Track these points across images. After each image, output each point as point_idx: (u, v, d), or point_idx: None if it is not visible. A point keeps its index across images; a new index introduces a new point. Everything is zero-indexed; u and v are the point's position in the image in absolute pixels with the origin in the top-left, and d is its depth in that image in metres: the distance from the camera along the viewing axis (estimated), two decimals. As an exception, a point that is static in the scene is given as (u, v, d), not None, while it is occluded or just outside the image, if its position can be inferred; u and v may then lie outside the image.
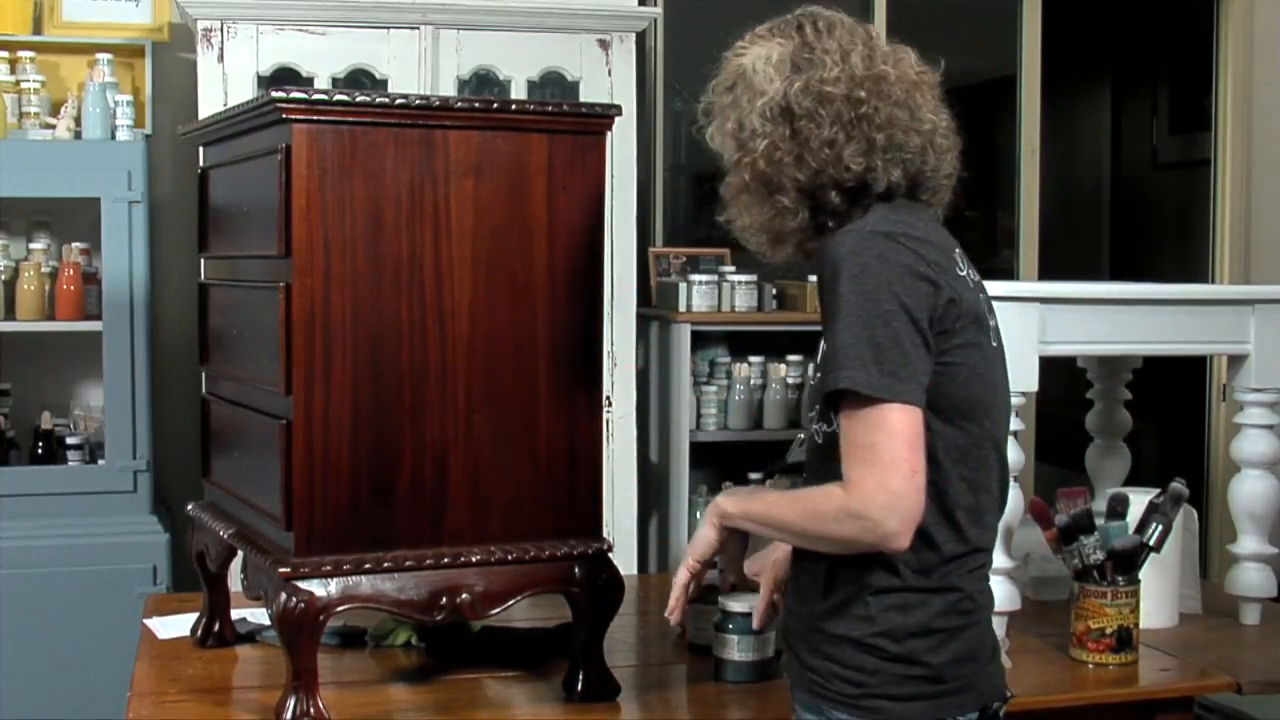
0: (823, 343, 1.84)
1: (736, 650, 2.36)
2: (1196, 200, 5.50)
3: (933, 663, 1.82)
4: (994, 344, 1.89)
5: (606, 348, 3.84)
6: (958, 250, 1.88)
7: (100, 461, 3.91)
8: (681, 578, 2.08)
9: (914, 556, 1.80)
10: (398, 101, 2.12)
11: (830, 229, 1.85)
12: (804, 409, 1.92)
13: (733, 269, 4.52)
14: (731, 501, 1.96)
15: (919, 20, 5.01)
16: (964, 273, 1.86)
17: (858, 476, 1.73)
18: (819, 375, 1.84)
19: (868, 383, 1.72)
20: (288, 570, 2.09)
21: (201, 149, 2.66)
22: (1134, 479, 3.11)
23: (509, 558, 2.20)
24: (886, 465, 1.71)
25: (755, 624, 2.28)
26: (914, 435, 1.73)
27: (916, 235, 1.79)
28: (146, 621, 2.71)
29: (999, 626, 2.48)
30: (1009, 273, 5.13)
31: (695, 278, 4.42)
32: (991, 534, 1.91)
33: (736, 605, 2.34)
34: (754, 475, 4.37)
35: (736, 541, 2.05)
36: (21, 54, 4.01)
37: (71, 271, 3.88)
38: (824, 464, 1.84)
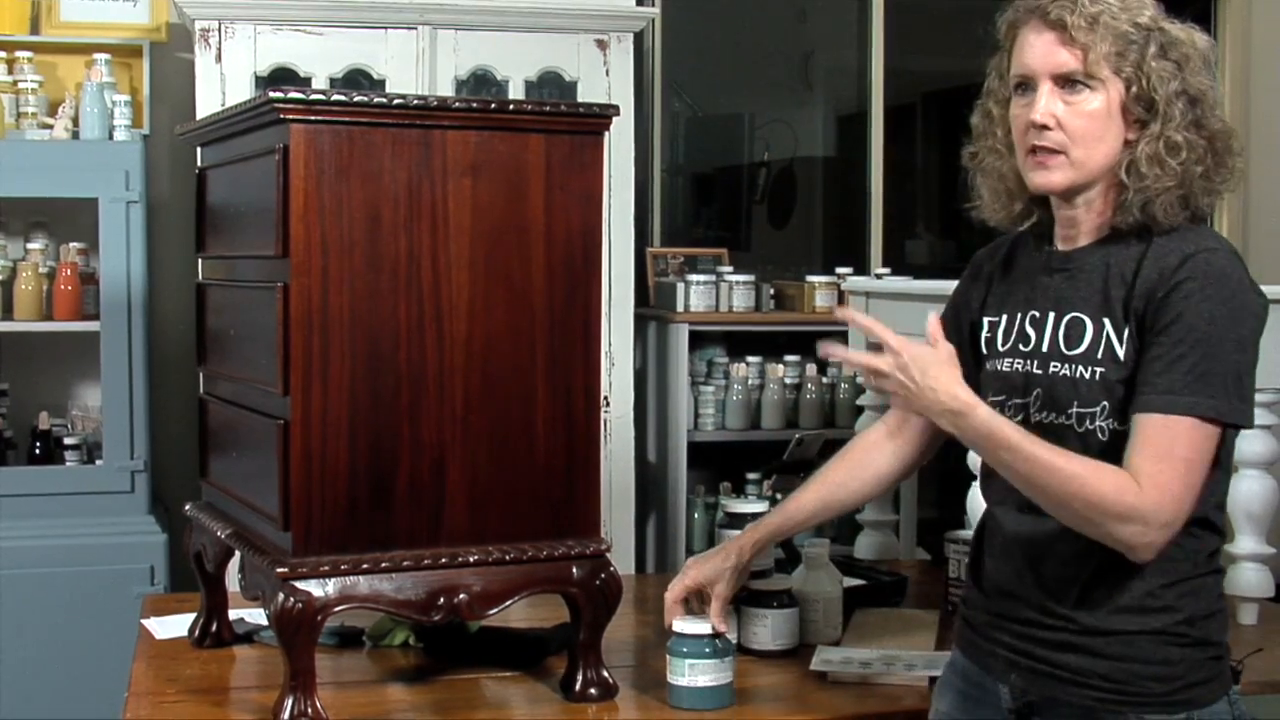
0: (1120, 338, 1.83)
1: (689, 674, 2.21)
2: (1194, 200, 5.50)
3: (1222, 641, 1.87)
4: None
5: (604, 348, 3.86)
6: None
7: (98, 462, 3.91)
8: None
9: (1200, 543, 1.85)
10: (395, 102, 2.11)
11: (1159, 225, 1.84)
12: (1042, 397, 1.89)
13: (730, 269, 4.52)
14: (981, 407, 1.82)
15: (918, 20, 5.02)
16: None
17: (1165, 482, 1.75)
18: (1098, 371, 1.83)
19: (1233, 411, 1.76)
20: (285, 570, 2.09)
21: (199, 149, 2.66)
22: (1132, 479, 3.11)
23: (507, 558, 2.20)
24: (1190, 485, 1.77)
25: (720, 627, 2.21)
26: (1210, 461, 1.79)
27: (1240, 256, 1.85)
28: (144, 622, 2.71)
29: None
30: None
31: (693, 278, 4.43)
32: None
33: (689, 627, 2.22)
34: (752, 475, 4.38)
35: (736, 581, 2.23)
36: (19, 54, 4.02)
37: (69, 272, 3.88)
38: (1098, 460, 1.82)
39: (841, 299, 4.36)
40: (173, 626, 2.65)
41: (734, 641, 2.33)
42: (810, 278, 4.53)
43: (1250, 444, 2.85)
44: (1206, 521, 1.85)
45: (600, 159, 2.26)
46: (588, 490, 2.27)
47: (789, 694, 2.34)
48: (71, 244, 3.95)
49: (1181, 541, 1.81)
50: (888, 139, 5.06)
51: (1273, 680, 2.52)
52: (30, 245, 3.97)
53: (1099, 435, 1.83)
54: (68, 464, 3.94)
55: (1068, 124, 1.84)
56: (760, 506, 2.65)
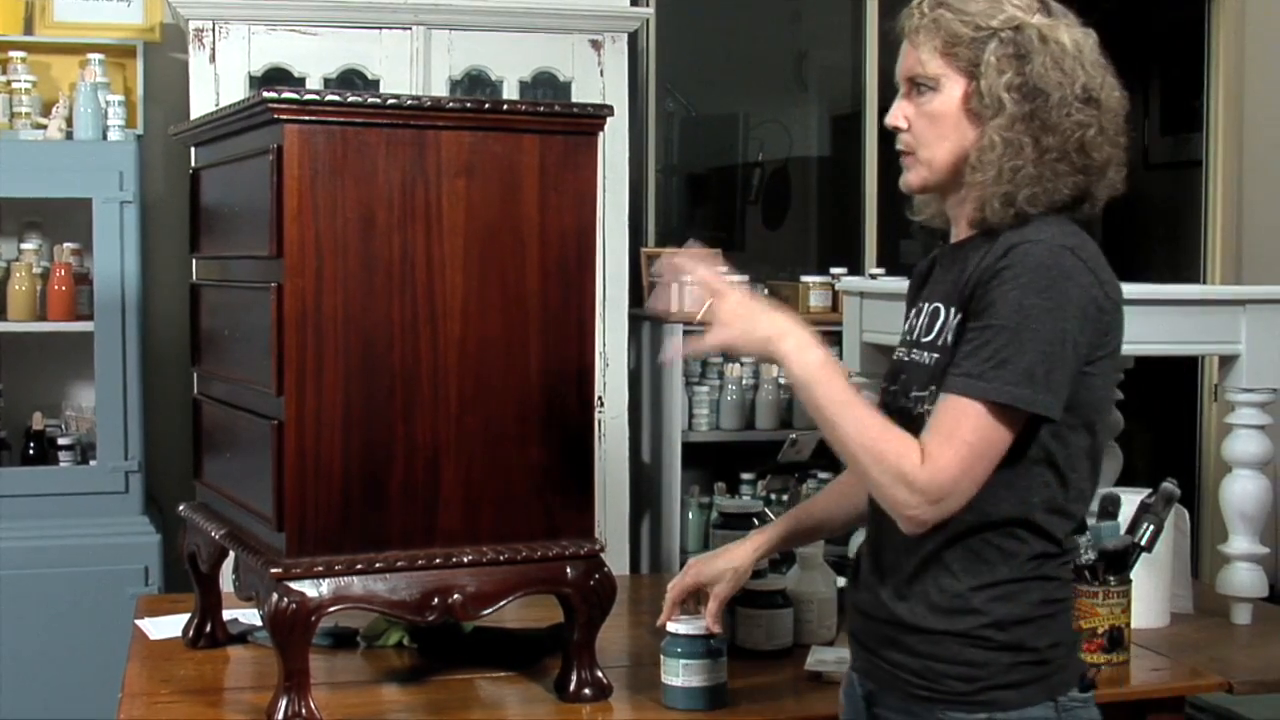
0: (943, 321, 1.86)
1: (683, 675, 2.23)
2: (1188, 201, 5.51)
3: (1038, 646, 1.84)
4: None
5: (598, 348, 3.86)
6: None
7: (92, 462, 3.91)
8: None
9: (1021, 546, 1.83)
10: (389, 102, 2.11)
11: (1022, 220, 1.83)
12: (903, 382, 1.93)
13: (725, 270, 4.51)
14: (816, 360, 1.82)
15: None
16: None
17: (944, 462, 1.74)
18: (934, 357, 1.85)
19: (1033, 400, 1.74)
20: (279, 571, 2.09)
21: (193, 149, 2.65)
22: (1126, 479, 3.11)
23: (501, 558, 2.20)
24: (970, 469, 1.75)
25: (714, 628, 2.21)
26: (1003, 451, 1.77)
27: (1091, 250, 1.81)
28: (138, 622, 2.71)
29: None
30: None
31: (687, 278, 4.41)
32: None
33: (684, 628, 2.23)
34: (746, 475, 4.38)
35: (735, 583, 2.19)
36: (13, 54, 4.01)
37: (63, 272, 3.88)
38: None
39: (835, 301, 4.36)
40: (167, 627, 2.65)
41: (728, 642, 2.34)
42: (805, 278, 4.53)
43: (1244, 444, 2.86)
44: (1032, 524, 1.82)
45: (594, 159, 2.26)
46: (582, 490, 2.27)
47: (783, 694, 2.34)
48: (65, 244, 3.95)
49: (999, 543, 1.81)
50: (882, 139, 5.06)
51: (1268, 680, 2.53)
52: (24, 245, 3.96)
53: (925, 419, 1.84)
54: (62, 464, 3.94)
55: (914, 125, 1.89)
56: (755, 507, 2.65)
